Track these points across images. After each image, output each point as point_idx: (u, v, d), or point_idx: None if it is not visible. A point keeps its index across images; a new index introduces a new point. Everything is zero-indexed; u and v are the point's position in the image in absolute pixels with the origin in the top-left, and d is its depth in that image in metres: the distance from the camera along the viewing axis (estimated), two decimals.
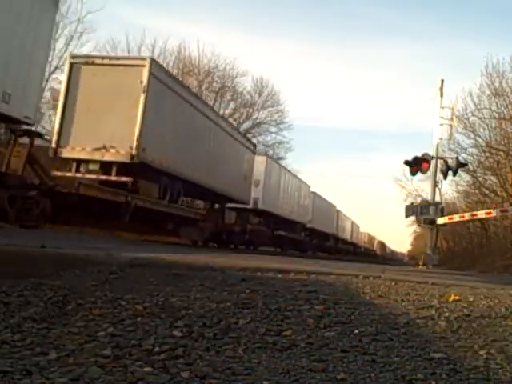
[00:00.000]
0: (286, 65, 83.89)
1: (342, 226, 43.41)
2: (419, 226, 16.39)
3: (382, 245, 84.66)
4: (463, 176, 27.08)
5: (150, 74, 11.56)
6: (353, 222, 49.28)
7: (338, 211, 40.33)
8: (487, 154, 26.25)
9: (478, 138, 25.81)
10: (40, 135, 10.89)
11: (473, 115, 25.13)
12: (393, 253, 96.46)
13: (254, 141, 29.93)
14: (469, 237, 34.20)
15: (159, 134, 12.15)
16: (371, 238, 67.78)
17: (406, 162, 14.19)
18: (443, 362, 1.86)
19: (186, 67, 32.00)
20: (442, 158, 14.13)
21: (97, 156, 11.44)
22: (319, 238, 35.90)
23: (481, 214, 14.81)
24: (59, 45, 21.81)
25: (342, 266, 7.77)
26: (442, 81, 14.58)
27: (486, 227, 28.63)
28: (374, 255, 63.18)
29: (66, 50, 21.80)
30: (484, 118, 25.29)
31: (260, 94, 35.77)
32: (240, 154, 18.50)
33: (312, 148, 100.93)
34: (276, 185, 22.87)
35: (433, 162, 13.91)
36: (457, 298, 3.43)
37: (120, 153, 11.31)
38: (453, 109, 14.40)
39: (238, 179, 17.95)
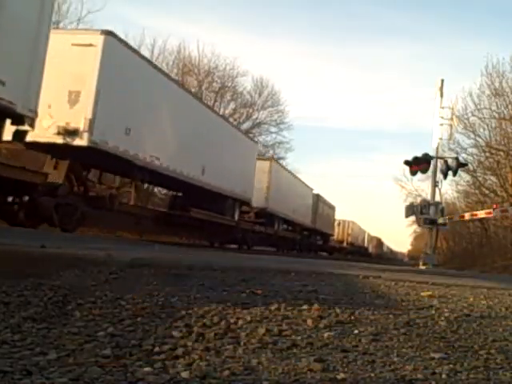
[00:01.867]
0: (286, 65, 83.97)
1: (294, 198, 25.25)
2: (419, 226, 16.37)
3: (378, 241, 69.60)
4: (463, 176, 27.13)
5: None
6: (319, 197, 30.24)
7: (283, 171, 24.08)
8: (487, 154, 26.27)
9: (478, 138, 25.86)
10: None
11: (473, 115, 25.18)
12: (392, 252, 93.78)
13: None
14: (469, 237, 34.20)
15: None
16: (359, 231, 49.88)
17: (406, 162, 14.18)
18: (443, 362, 1.86)
19: (186, 67, 32.00)
20: (442, 158, 14.12)
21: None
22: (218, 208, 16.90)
23: (481, 213, 14.80)
24: None
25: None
26: (442, 81, 14.58)
27: (486, 227, 28.63)
28: (364, 253, 50.11)
29: None
30: (484, 117, 25.33)
31: (260, 94, 35.81)
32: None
33: (312, 148, 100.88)
34: None
35: (433, 162, 13.91)
36: (429, 293, 3.67)
37: None
38: (453, 109, 14.39)
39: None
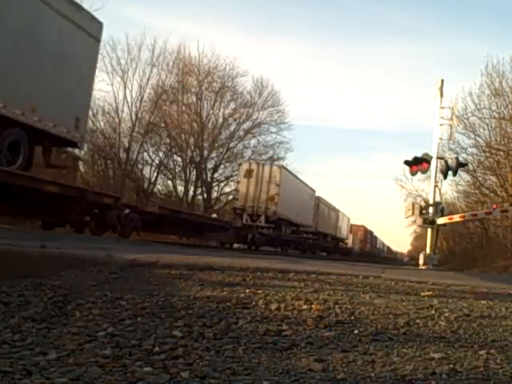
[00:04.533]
0: (286, 65, 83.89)
1: None
2: (419, 226, 16.37)
3: (366, 233, 51.76)
4: (463, 176, 27.09)
5: None
6: None
7: None
8: (487, 154, 26.24)
9: (478, 138, 25.82)
10: None
11: (473, 115, 25.12)
12: (392, 252, 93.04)
13: (255, 141, 29.99)
14: (469, 237, 34.17)
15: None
16: (319, 206, 30.85)
17: (406, 162, 14.20)
18: (443, 362, 1.86)
19: (186, 67, 31.98)
20: (442, 158, 14.11)
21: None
22: None
23: (481, 213, 14.80)
24: None
25: None
26: (442, 81, 14.57)
27: (486, 227, 28.62)
28: (334, 249, 34.75)
29: None
30: (484, 117, 25.28)
31: (260, 94, 35.67)
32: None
33: (312, 148, 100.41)
34: None
35: (433, 161, 13.90)
36: (429, 293, 3.67)
37: None
38: (453, 109, 14.38)
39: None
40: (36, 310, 2.29)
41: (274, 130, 36.55)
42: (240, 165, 23.56)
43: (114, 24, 58.35)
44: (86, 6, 10.65)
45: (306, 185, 28.45)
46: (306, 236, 28.83)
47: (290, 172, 25.28)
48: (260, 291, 3.10)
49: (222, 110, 32.86)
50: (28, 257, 3.67)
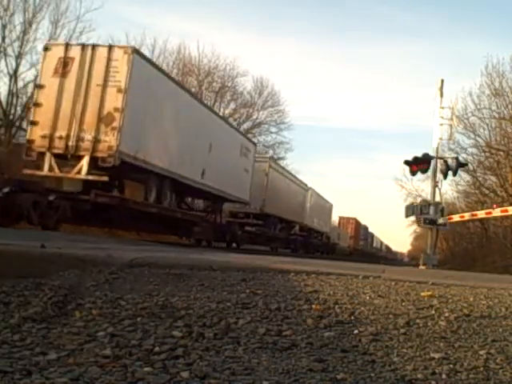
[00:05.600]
0: (286, 65, 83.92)
1: None
2: (419, 226, 16.37)
3: (357, 227, 43.43)
4: (463, 176, 27.13)
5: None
6: None
7: None
8: (487, 154, 26.26)
9: (478, 138, 25.84)
10: None
11: (473, 115, 25.14)
12: (391, 252, 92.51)
13: (255, 141, 29.94)
14: (469, 237, 34.15)
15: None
16: (298, 189, 25.10)
17: (406, 162, 14.18)
18: (443, 362, 1.86)
19: (186, 67, 31.99)
20: (442, 158, 14.09)
21: None
22: None
23: (481, 213, 14.81)
24: None
25: None
26: (442, 81, 14.55)
27: (485, 227, 28.61)
28: (314, 245, 28.64)
29: None
30: (484, 117, 25.30)
31: (260, 94, 35.73)
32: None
33: (312, 148, 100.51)
34: None
35: (433, 161, 13.90)
36: (429, 293, 3.64)
37: None
38: (453, 109, 14.36)
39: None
40: (36, 309, 2.29)
41: (273, 130, 36.56)
42: (46, 50, 11.30)
43: (113, 24, 58.36)
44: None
45: (227, 122, 17.58)
46: (234, 219, 18.17)
47: (161, 71, 13.08)
48: (260, 291, 3.10)
49: (222, 110, 32.88)
50: (28, 257, 3.67)
